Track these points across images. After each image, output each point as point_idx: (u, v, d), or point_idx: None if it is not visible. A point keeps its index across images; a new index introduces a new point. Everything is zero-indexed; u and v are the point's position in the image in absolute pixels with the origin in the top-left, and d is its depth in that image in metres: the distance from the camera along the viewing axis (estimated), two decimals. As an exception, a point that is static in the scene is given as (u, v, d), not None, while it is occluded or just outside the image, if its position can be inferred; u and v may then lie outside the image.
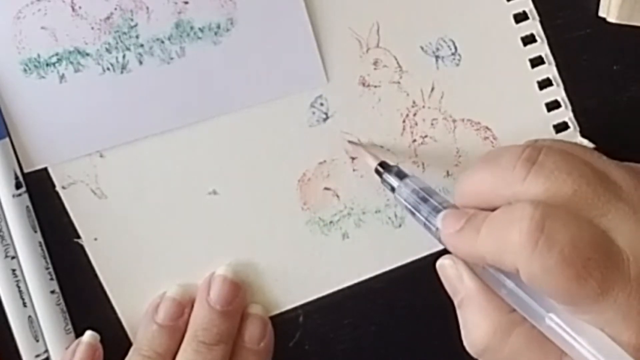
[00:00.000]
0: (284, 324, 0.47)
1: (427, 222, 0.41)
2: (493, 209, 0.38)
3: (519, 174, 0.37)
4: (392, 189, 0.43)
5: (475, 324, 0.39)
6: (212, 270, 0.46)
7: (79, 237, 0.45)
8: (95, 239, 0.45)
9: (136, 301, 0.45)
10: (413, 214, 0.42)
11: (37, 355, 0.44)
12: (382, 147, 0.46)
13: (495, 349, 0.38)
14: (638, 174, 0.38)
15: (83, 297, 0.45)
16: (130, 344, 0.45)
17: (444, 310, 0.47)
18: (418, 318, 0.47)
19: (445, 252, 0.41)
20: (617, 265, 0.35)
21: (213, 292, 0.45)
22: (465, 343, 0.39)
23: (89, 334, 0.45)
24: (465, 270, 0.40)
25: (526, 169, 0.37)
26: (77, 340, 0.44)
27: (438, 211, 0.40)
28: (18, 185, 0.44)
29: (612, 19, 0.46)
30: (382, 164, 0.44)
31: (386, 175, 0.44)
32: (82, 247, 0.45)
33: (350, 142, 0.46)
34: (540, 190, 0.36)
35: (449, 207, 0.40)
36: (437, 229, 0.40)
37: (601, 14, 0.47)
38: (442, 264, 0.41)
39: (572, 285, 0.34)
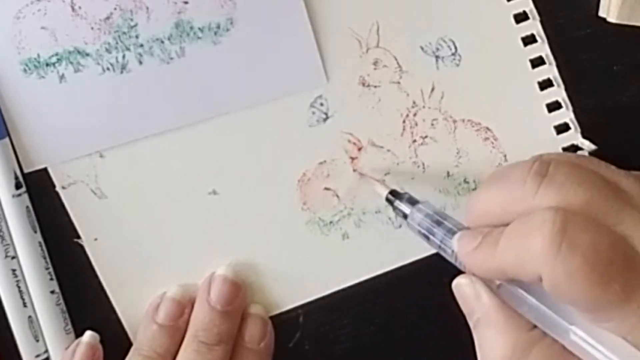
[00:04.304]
0: (284, 324, 0.47)
1: (442, 245, 0.41)
2: (506, 226, 0.38)
3: (530, 188, 0.37)
4: (405, 216, 0.43)
5: (492, 343, 0.38)
6: (212, 270, 0.46)
7: (79, 237, 0.45)
8: (95, 239, 0.45)
9: (136, 301, 0.45)
10: (427, 238, 0.42)
11: (37, 355, 0.44)
12: (382, 147, 0.46)
13: None
14: None
15: (83, 297, 0.45)
16: (130, 344, 0.45)
17: (444, 311, 0.48)
18: (418, 318, 0.47)
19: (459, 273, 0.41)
20: (638, 270, 0.35)
21: (213, 292, 0.45)
22: None
23: (88, 334, 0.45)
24: (483, 289, 0.39)
25: (537, 182, 0.37)
26: (77, 341, 0.44)
27: (453, 233, 0.40)
28: (18, 186, 0.44)
29: (612, 19, 0.46)
30: (393, 192, 0.44)
31: (397, 203, 0.43)
32: (82, 247, 0.45)
33: (359, 172, 0.46)
34: (552, 203, 0.36)
35: (462, 229, 0.40)
36: (453, 251, 0.40)
37: (601, 14, 0.47)
38: (458, 283, 0.41)
39: (596, 289, 0.34)
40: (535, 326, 0.38)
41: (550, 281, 0.35)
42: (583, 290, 0.34)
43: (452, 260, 0.40)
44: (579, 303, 0.36)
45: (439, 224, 0.41)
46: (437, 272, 0.47)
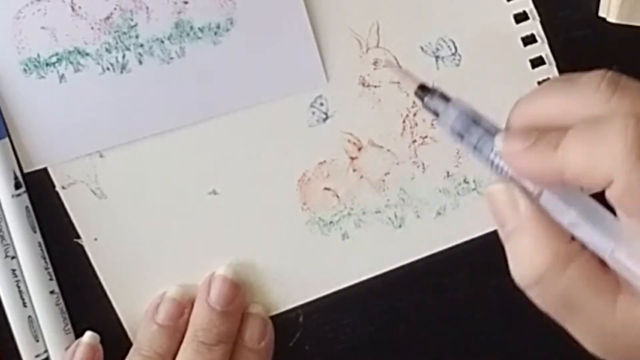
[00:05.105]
0: (284, 324, 0.47)
1: (478, 145, 0.37)
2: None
3: (604, 95, 0.35)
4: (436, 114, 0.39)
5: (530, 253, 0.36)
6: (212, 270, 0.46)
7: (79, 237, 0.45)
8: (95, 239, 0.45)
9: (136, 301, 0.45)
10: (461, 137, 0.38)
11: (37, 355, 0.44)
12: (382, 147, 0.46)
13: (550, 281, 0.36)
14: None
15: (83, 297, 0.45)
16: (130, 344, 0.45)
17: (444, 310, 0.48)
18: (418, 318, 0.47)
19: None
20: None
21: (213, 292, 0.45)
22: (514, 274, 0.36)
23: (88, 335, 0.45)
24: (521, 196, 0.37)
25: (612, 89, 0.35)
26: (77, 341, 0.44)
27: (492, 134, 0.37)
28: (18, 185, 0.44)
29: (612, 19, 0.46)
30: (422, 87, 0.39)
31: (427, 100, 0.39)
32: (82, 247, 0.45)
33: (389, 64, 0.44)
34: (629, 111, 0.35)
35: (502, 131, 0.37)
36: (492, 152, 0.37)
37: (601, 14, 0.47)
38: (493, 189, 0.37)
39: None
40: (574, 237, 0.36)
41: (621, 189, 0.34)
42: None
43: (487, 164, 0.37)
44: None
45: (476, 123, 0.38)
46: (437, 272, 0.47)
